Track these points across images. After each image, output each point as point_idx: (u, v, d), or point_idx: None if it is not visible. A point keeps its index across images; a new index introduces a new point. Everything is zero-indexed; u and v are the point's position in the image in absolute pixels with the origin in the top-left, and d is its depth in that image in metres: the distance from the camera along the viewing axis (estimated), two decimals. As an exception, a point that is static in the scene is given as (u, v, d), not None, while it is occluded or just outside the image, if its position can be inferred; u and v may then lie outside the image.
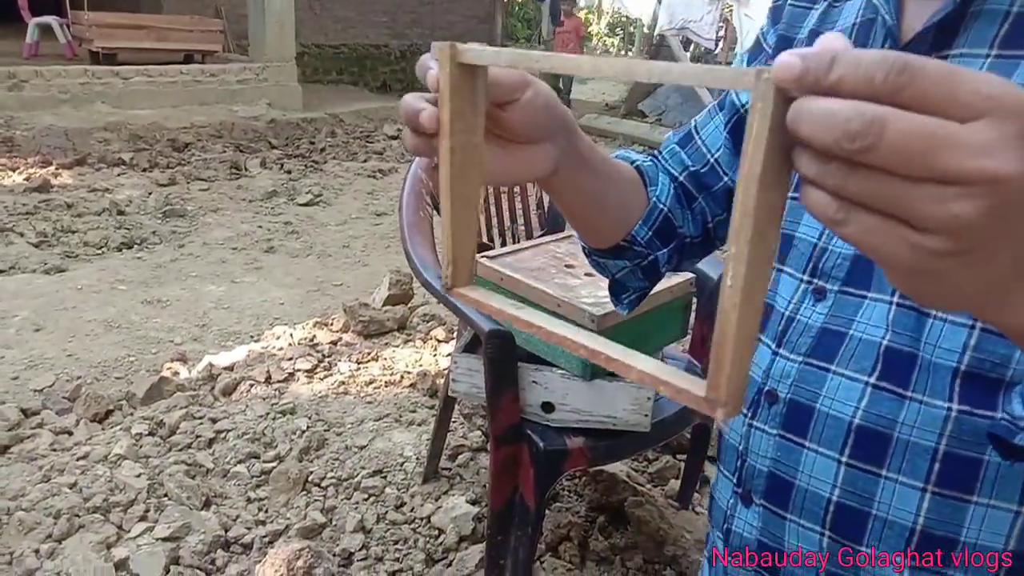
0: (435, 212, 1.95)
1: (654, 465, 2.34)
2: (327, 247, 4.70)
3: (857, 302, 0.69)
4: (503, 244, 2.18)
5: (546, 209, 2.23)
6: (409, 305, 3.43)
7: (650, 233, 0.80)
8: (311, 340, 3.12)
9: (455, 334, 3.05)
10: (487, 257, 1.87)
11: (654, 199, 0.81)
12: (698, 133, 0.87)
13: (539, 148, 0.62)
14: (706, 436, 2.09)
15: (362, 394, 2.67)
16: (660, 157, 0.88)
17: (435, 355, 2.99)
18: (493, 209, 2.20)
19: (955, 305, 0.38)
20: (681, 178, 0.85)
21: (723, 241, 0.86)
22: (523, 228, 2.25)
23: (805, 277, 0.73)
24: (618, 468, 2.24)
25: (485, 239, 2.20)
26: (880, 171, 0.32)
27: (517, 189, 2.23)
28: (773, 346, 0.75)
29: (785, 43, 0.79)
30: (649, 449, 2.31)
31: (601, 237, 0.79)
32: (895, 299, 0.66)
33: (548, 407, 1.68)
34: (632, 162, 0.83)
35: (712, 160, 0.85)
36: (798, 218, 0.75)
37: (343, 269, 4.34)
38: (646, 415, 1.66)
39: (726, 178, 0.84)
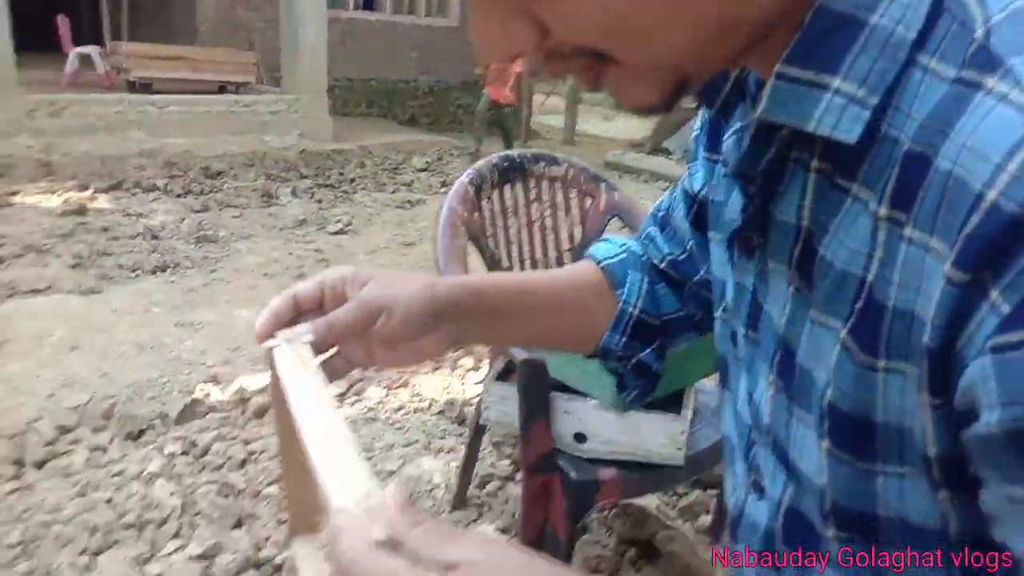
0: (470, 242, 1.98)
1: (684, 499, 2.34)
2: (355, 276, 4.75)
3: None
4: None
5: (576, 247, 2.26)
6: (438, 334, 3.45)
7: (624, 339, 0.73)
8: (340, 366, 3.15)
9: (483, 363, 3.08)
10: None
11: (622, 303, 0.74)
12: (673, 214, 0.76)
13: (423, 340, 0.61)
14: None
15: (391, 420, 2.70)
16: (642, 241, 0.79)
17: (463, 383, 3.01)
18: (526, 246, 2.23)
19: None
20: (662, 266, 0.76)
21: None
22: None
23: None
24: (648, 501, 2.24)
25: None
26: None
27: (550, 226, 2.25)
28: None
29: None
30: (681, 483, 2.31)
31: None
32: None
33: (580, 437, 1.68)
34: (599, 261, 0.76)
35: (689, 247, 0.74)
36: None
37: (371, 298, 4.38)
38: (679, 449, 1.66)
39: (702, 270, 0.73)
